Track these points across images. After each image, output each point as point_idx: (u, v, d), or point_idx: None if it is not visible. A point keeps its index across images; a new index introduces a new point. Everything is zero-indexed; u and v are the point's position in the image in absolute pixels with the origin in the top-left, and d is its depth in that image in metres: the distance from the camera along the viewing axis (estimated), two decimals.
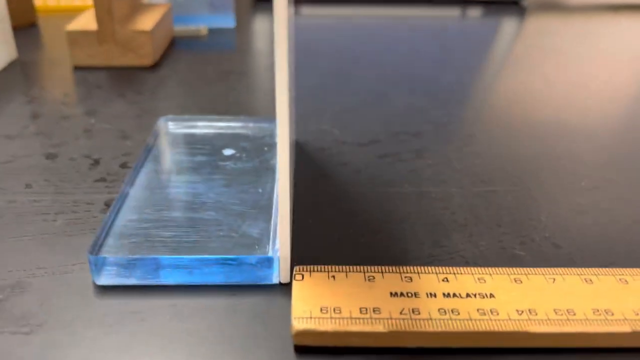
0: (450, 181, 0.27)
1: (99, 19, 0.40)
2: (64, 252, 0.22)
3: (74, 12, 0.58)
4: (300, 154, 0.30)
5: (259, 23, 0.57)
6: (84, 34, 0.41)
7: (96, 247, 0.20)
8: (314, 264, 0.21)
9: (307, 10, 0.65)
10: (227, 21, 0.52)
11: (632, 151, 0.31)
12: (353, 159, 0.29)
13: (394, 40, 0.52)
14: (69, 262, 0.21)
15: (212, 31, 0.52)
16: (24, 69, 0.42)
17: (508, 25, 0.60)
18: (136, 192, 0.24)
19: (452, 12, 0.65)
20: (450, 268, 0.20)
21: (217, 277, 0.20)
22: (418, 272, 0.20)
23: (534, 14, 0.65)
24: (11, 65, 0.42)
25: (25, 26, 0.53)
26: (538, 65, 0.46)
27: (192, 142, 0.29)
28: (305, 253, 0.22)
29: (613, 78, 0.43)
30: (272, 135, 0.29)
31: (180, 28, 0.50)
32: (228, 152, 0.28)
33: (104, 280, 0.20)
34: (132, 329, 0.18)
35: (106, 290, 0.20)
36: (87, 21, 0.42)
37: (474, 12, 0.66)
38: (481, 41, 0.53)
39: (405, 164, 0.29)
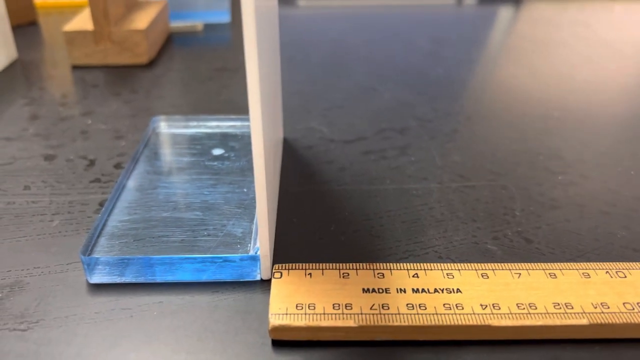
0: (431, 177, 0.28)
1: (95, 19, 0.41)
2: (59, 252, 0.23)
3: (73, 9, 0.59)
4: (288, 151, 0.31)
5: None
6: (80, 34, 0.42)
7: (88, 248, 0.21)
8: (295, 261, 0.22)
9: (304, 1, 0.65)
10: (223, 16, 0.53)
11: (612, 147, 0.32)
12: (339, 157, 0.30)
13: (387, 32, 0.53)
14: (64, 261, 0.22)
15: (207, 26, 0.53)
16: (24, 70, 0.43)
17: (503, 14, 0.60)
18: (128, 193, 0.25)
19: (447, 1, 0.65)
20: (421, 264, 0.21)
21: (201, 274, 0.21)
22: (390, 269, 0.21)
23: (530, 2, 0.66)
24: (11, 66, 0.44)
25: (25, 24, 0.54)
26: (527, 57, 0.46)
27: (183, 142, 0.30)
28: (288, 250, 0.23)
29: (601, 70, 0.44)
30: None
31: (176, 24, 0.51)
32: (217, 152, 0.29)
33: (96, 279, 0.21)
34: (121, 325, 0.19)
35: (98, 288, 0.21)
36: (84, 21, 0.43)
37: (470, 0, 0.66)
38: (474, 32, 0.53)
39: (389, 161, 0.30)
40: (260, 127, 0.18)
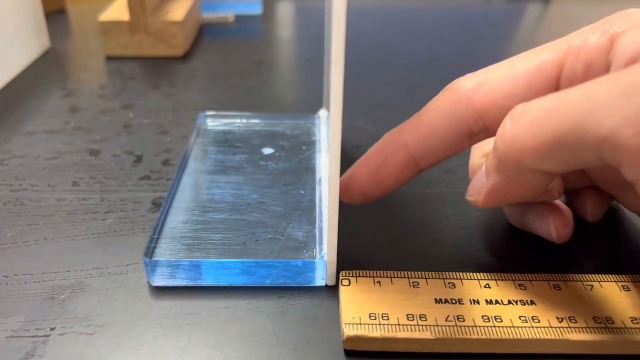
0: None
1: (132, 9, 0.40)
2: (117, 252, 0.23)
3: None
4: None
5: (283, 9, 0.57)
6: (116, 24, 0.41)
7: (150, 250, 0.21)
8: (356, 267, 0.21)
9: None
10: (254, 8, 0.52)
11: None
12: None
13: (419, 28, 0.52)
14: (123, 262, 0.22)
15: (238, 18, 0.52)
16: (57, 59, 0.43)
17: (531, 12, 0.60)
18: (182, 192, 0.25)
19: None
20: (492, 274, 0.20)
21: (265, 279, 0.21)
22: (460, 279, 0.20)
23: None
24: (45, 55, 0.43)
25: (54, 12, 0.53)
26: None
27: (232, 140, 0.29)
28: (348, 256, 0.22)
29: None
30: (308, 133, 0.30)
31: (207, 15, 0.50)
32: (267, 151, 0.28)
33: (159, 281, 0.21)
34: (189, 330, 0.19)
35: (161, 291, 0.21)
36: (119, 11, 0.43)
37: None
38: (504, 28, 0.53)
39: (440, 163, 0.29)
40: (339, 131, 0.18)
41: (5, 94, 0.36)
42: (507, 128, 0.17)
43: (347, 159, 0.30)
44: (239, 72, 0.40)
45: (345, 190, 0.22)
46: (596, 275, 0.21)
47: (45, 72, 0.40)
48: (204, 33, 0.49)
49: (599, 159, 0.15)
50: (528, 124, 0.17)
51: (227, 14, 0.51)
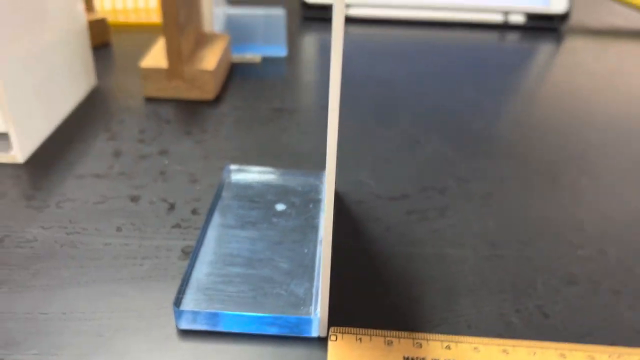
0: (467, 244, 0.32)
1: (170, 59, 0.46)
2: (151, 297, 0.28)
3: (143, 29, 0.64)
4: (341, 206, 0.35)
5: (308, 48, 0.62)
6: (155, 71, 0.47)
7: (179, 300, 0.26)
8: (344, 321, 0.26)
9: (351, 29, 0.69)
10: (280, 50, 0.57)
11: (636, 221, 0.35)
12: (385, 214, 0.34)
13: (432, 70, 0.56)
14: (156, 306, 0.27)
15: (265, 59, 0.57)
16: (103, 99, 0.48)
17: (543, 52, 0.63)
18: (207, 245, 0.30)
19: (490, 36, 0.68)
20: (453, 336, 0.25)
21: (269, 329, 0.26)
22: (427, 339, 0.25)
23: (572, 40, 0.68)
24: (92, 94, 0.49)
25: (100, 46, 0.59)
26: (565, 102, 0.49)
27: (251, 195, 0.34)
28: (340, 309, 0.27)
29: (635, 118, 0.47)
30: (317, 190, 0.35)
31: (237, 56, 0.55)
32: (280, 207, 0.33)
33: (184, 325, 0.26)
34: None
35: (185, 333, 0.26)
36: (157, 58, 0.48)
37: (512, 37, 0.69)
38: (516, 70, 0.56)
39: (430, 222, 0.34)
40: (332, 192, 0.22)
41: (57, 136, 0.42)
42: None
43: (349, 214, 0.34)
44: (261, 120, 0.45)
45: None
46: (539, 342, 0.25)
47: (91, 112, 0.46)
48: (235, 72, 0.54)
49: None
50: None
51: (255, 55, 0.56)
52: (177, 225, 0.33)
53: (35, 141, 0.40)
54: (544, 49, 0.65)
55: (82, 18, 0.47)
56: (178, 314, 0.26)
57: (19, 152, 0.38)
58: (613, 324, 0.27)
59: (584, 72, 0.58)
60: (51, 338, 0.25)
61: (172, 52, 0.45)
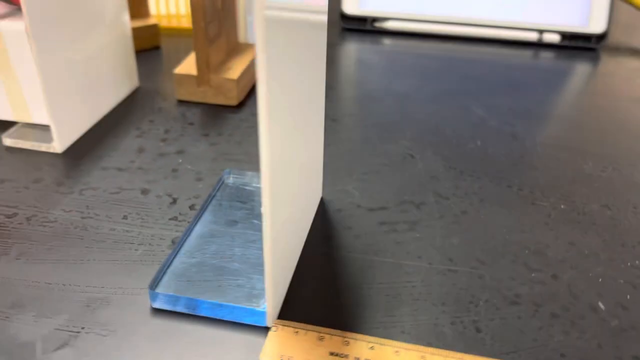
0: (425, 257, 0.35)
1: (199, 67, 0.51)
2: (138, 278, 0.33)
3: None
4: (322, 213, 0.39)
5: (344, 63, 0.65)
6: (187, 77, 0.52)
7: (154, 283, 0.31)
8: (294, 316, 0.30)
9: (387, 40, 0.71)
10: None
11: (596, 250, 0.36)
12: (358, 224, 0.38)
13: (448, 86, 0.58)
14: (139, 286, 0.32)
15: None
16: (141, 99, 0.54)
17: (579, 74, 0.63)
18: (192, 238, 0.34)
19: (524, 53, 0.69)
20: (381, 339, 0.28)
21: (229, 315, 0.30)
22: (356, 339, 0.28)
23: (609, 59, 0.67)
24: (132, 95, 0.55)
25: (149, 49, 0.65)
26: (574, 124, 0.50)
27: (242, 197, 0.38)
28: (291, 305, 0.31)
29: None
30: None
31: None
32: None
33: (157, 305, 0.31)
34: (170, 343, 0.29)
35: (159, 312, 0.30)
36: (190, 66, 0.53)
37: (547, 54, 0.69)
38: (538, 91, 0.57)
39: (397, 234, 0.37)
40: (269, 183, 0.26)
41: (94, 131, 0.48)
42: None
43: (326, 221, 0.38)
44: None
45: None
46: (461, 354, 0.28)
47: (128, 111, 0.51)
48: None
49: None
50: None
51: None
52: (175, 218, 0.38)
53: (73, 135, 0.46)
54: (580, 69, 0.65)
55: (128, 26, 0.53)
56: (152, 295, 0.30)
57: (58, 144, 0.44)
58: (542, 345, 0.29)
59: (616, 97, 0.58)
60: (49, 304, 0.31)
61: (201, 62, 0.50)
